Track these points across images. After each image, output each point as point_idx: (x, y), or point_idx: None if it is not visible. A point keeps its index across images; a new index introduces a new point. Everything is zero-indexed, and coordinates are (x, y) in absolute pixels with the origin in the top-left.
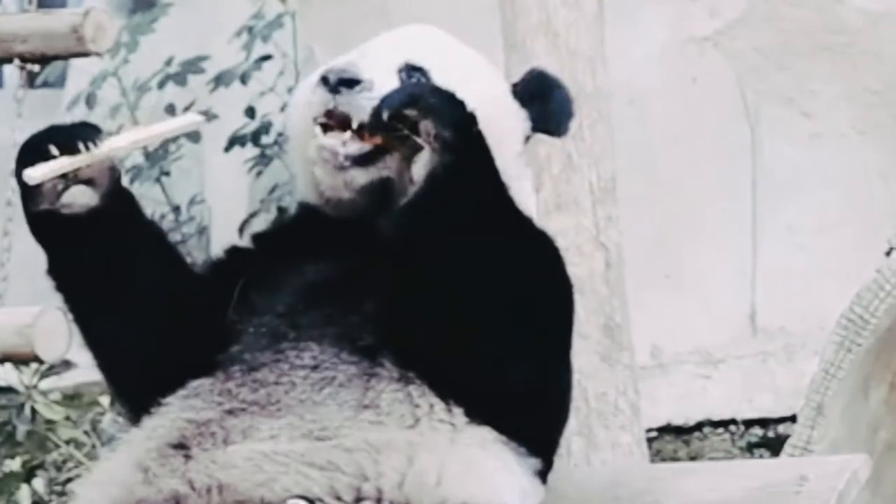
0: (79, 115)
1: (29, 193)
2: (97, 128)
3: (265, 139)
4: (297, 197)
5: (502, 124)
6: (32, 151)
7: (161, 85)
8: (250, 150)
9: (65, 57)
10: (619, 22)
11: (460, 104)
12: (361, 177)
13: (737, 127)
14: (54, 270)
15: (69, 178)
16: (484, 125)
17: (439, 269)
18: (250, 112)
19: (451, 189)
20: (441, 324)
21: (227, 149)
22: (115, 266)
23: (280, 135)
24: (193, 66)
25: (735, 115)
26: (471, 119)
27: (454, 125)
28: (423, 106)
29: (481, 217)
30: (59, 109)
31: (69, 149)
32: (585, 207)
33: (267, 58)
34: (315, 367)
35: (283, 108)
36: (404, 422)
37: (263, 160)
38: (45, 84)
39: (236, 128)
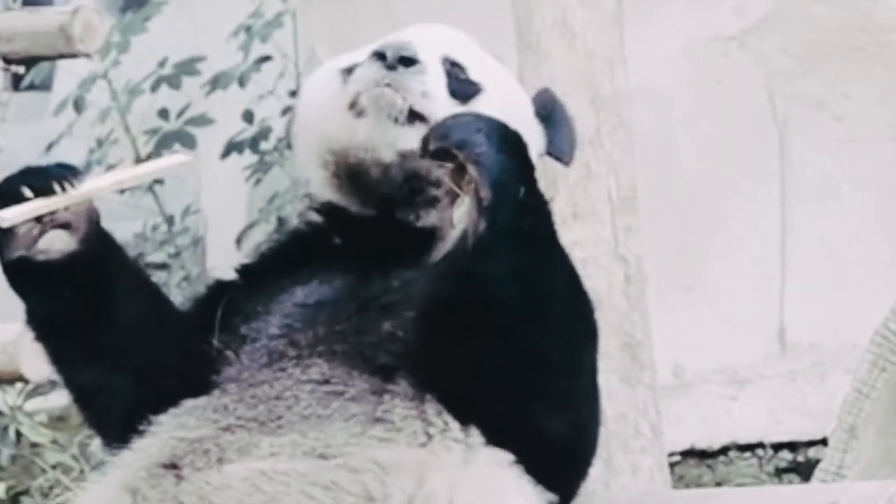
0: (66, 119)
1: (2, 239)
2: (75, 168)
3: (264, 145)
4: (301, 204)
5: (524, 134)
6: (5, 194)
7: (154, 88)
8: (248, 157)
9: (52, 58)
10: (638, 21)
11: (517, 157)
12: (411, 138)
13: (764, 132)
14: (33, 321)
15: (45, 222)
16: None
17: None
18: (248, 116)
19: (484, 256)
20: (468, 356)
21: (224, 155)
22: (96, 314)
23: (280, 140)
24: (188, 67)
25: (762, 120)
26: (524, 177)
27: (501, 188)
28: (472, 155)
29: (516, 278)
30: (45, 113)
31: (45, 191)
32: (604, 217)
33: (266, 59)
34: (323, 382)
35: (283, 112)
36: (416, 439)
37: (262, 167)
38: (31, 87)
39: (234, 133)
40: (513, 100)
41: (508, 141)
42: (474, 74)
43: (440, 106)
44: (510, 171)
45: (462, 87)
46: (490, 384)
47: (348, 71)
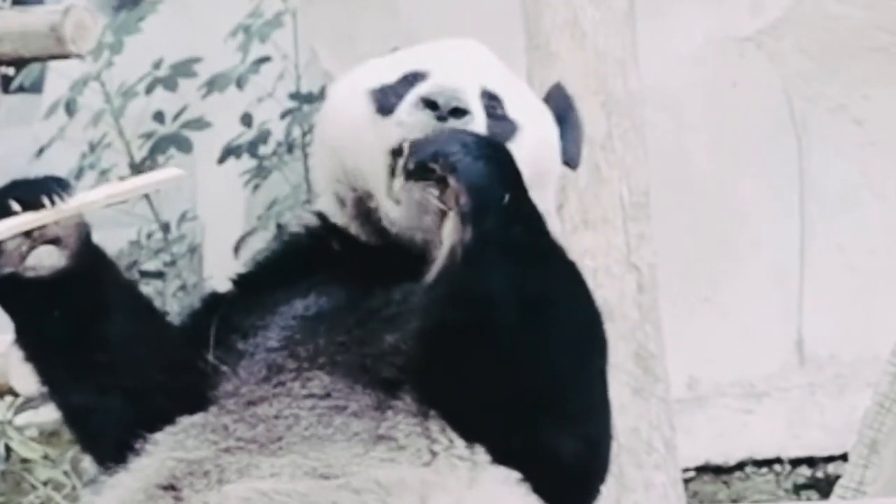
0: (58, 122)
1: None
2: (65, 181)
3: (263, 149)
4: (301, 211)
5: (552, 159)
6: None
7: (149, 90)
8: (247, 162)
9: (43, 59)
10: (651, 20)
11: (498, 164)
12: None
13: (782, 136)
14: (22, 340)
15: (34, 238)
16: (537, 164)
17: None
18: (247, 119)
19: (475, 268)
20: (469, 373)
21: (222, 160)
22: (87, 333)
23: (280, 145)
24: (184, 68)
25: (780, 123)
26: (507, 183)
27: (481, 193)
28: (448, 164)
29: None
30: (36, 117)
31: (34, 205)
32: (615, 224)
33: (265, 60)
34: (325, 396)
35: (283, 115)
36: (419, 458)
37: (261, 173)
38: (21, 89)
39: (231, 137)
40: (544, 131)
41: (488, 148)
42: (510, 107)
43: None
44: (490, 176)
45: (501, 128)
46: (492, 400)
47: (381, 93)
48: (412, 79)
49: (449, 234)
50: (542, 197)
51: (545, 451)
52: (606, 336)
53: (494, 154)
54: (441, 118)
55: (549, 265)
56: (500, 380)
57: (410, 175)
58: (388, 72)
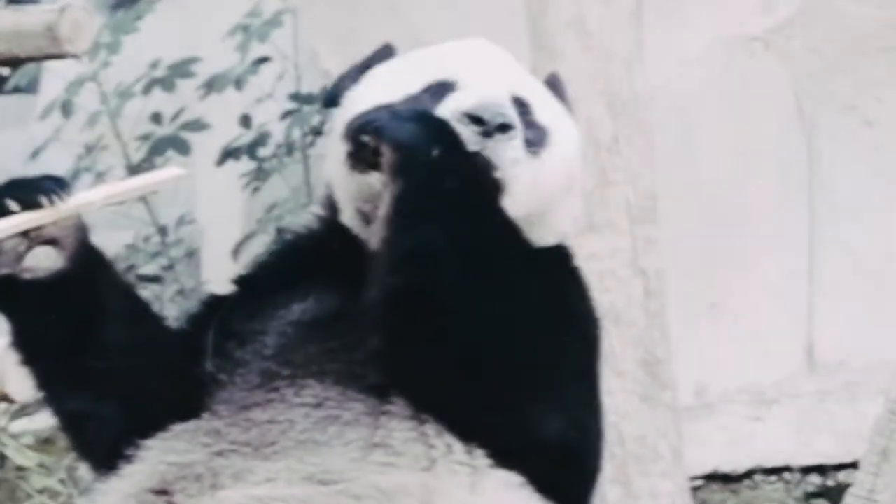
0: (54, 124)
1: None
2: (63, 181)
3: (262, 151)
4: (301, 214)
5: (578, 160)
6: None
7: (146, 90)
8: (246, 164)
9: (38, 59)
10: (658, 19)
11: (425, 123)
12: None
13: (792, 137)
14: (18, 342)
15: (32, 238)
16: (569, 168)
17: (440, 307)
18: (246, 121)
19: (404, 226)
20: (450, 367)
21: (220, 162)
22: (84, 337)
23: (279, 147)
24: (182, 69)
25: (790, 124)
26: (435, 138)
27: (407, 148)
28: (370, 128)
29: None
30: (31, 118)
31: (32, 204)
32: (622, 228)
33: (264, 60)
34: (317, 405)
35: (282, 116)
36: (418, 463)
37: (261, 175)
38: (16, 90)
39: (230, 139)
40: (571, 133)
41: (415, 113)
42: (539, 113)
43: (521, 169)
44: (415, 131)
45: (535, 136)
46: (454, 373)
47: (476, 120)
48: (439, 89)
49: (384, 198)
50: (573, 202)
51: (521, 427)
52: (593, 309)
53: (422, 116)
54: (487, 133)
55: (493, 223)
56: (458, 347)
57: (351, 156)
58: (405, 81)
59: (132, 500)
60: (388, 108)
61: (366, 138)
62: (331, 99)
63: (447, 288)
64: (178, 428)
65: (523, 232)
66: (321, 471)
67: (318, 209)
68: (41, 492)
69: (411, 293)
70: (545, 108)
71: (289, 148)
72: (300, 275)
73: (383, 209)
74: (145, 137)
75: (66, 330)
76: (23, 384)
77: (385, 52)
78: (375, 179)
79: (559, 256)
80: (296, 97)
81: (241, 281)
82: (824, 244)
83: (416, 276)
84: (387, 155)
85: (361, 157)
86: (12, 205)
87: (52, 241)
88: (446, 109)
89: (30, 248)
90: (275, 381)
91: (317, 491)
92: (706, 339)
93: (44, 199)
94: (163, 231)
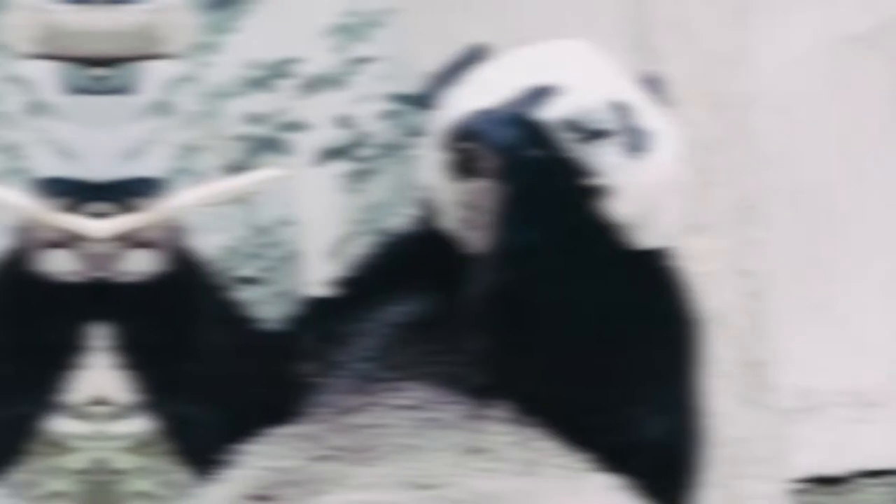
0: (150, 125)
1: (81, 258)
2: (160, 182)
3: (362, 152)
4: (405, 215)
5: (679, 162)
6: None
7: (245, 91)
8: (345, 165)
9: (135, 59)
10: (761, 18)
11: (522, 125)
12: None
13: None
14: (116, 347)
15: (128, 241)
16: (675, 171)
17: (543, 309)
18: (345, 121)
19: (508, 227)
20: (551, 369)
21: (319, 163)
22: (181, 342)
23: (379, 147)
24: (281, 69)
25: (894, 126)
26: (534, 140)
27: (507, 150)
28: (470, 135)
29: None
30: (128, 119)
31: (128, 207)
32: (724, 229)
33: (364, 60)
34: (416, 408)
35: (382, 117)
36: (518, 468)
37: (360, 176)
38: (113, 90)
39: (329, 139)
40: (674, 137)
41: (514, 117)
42: (638, 116)
43: (622, 173)
44: (517, 136)
45: (635, 140)
46: (555, 372)
47: (573, 126)
48: (539, 94)
49: (486, 203)
50: (675, 204)
51: (622, 429)
52: (693, 310)
53: (522, 120)
54: (585, 139)
55: (595, 226)
56: (559, 348)
57: (450, 165)
58: (502, 84)
59: None
60: (486, 113)
61: (465, 145)
62: (425, 101)
63: (550, 290)
64: (276, 433)
65: (627, 234)
66: (420, 475)
67: (416, 211)
68: (138, 495)
69: (514, 294)
70: (645, 111)
71: (388, 149)
72: (399, 277)
73: (487, 214)
74: (244, 138)
75: (162, 334)
76: (120, 387)
77: (476, 53)
78: (475, 186)
79: (662, 258)
80: (396, 97)
81: (339, 283)
82: None
83: (520, 277)
84: (490, 160)
85: (461, 164)
86: (108, 208)
87: (148, 244)
88: (545, 114)
89: (126, 251)
90: (373, 385)
91: (417, 496)
92: (810, 341)
93: (140, 202)
94: (261, 232)
